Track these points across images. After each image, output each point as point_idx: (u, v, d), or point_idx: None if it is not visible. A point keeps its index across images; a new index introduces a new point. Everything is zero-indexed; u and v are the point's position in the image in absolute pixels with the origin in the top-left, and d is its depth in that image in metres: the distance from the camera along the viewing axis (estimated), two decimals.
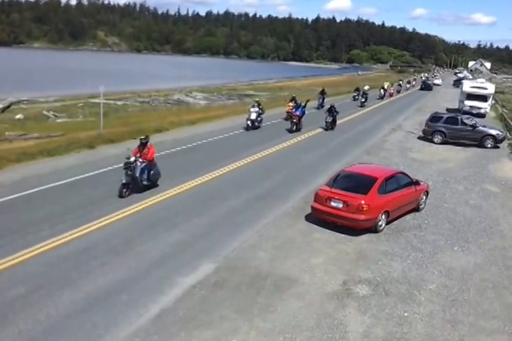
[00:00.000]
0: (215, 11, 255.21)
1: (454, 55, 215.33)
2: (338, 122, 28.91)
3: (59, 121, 29.84)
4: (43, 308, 8.14)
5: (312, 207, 12.95)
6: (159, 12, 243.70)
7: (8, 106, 34.46)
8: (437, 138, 27.01)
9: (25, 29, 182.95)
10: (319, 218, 12.84)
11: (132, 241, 10.97)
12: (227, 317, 8.32)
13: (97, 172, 16.32)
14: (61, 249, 10.32)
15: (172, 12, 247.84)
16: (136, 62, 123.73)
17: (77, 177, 15.58)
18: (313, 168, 18.96)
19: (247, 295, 9.06)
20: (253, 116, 26.37)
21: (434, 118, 27.78)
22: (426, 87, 70.42)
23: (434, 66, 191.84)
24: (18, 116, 30.27)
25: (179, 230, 11.83)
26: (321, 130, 27.82)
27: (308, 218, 13.20)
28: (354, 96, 45.57)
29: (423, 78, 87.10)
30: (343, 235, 12.25)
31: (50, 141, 20.31)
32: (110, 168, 16.81)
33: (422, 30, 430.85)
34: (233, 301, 8.83)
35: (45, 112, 32.30)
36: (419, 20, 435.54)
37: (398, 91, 58.17)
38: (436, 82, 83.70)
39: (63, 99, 41.22)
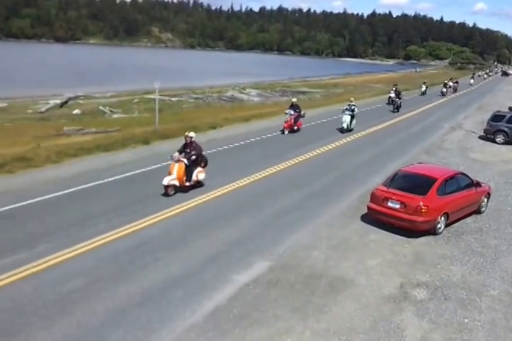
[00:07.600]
0: (268, 7, 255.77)
1: None
2: (395, 120, 28.42)
3: (115, 116, 30.62)
4: (100, 301, 8.29)
5: (368, 207, 12.66)
6: (213, 8, 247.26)
7: (66, 102, 35.76)
8: (499, 138, 25.91)
9: (82, 26, 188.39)
10: (375, 219, 12.55)
11: (186, 238, 11.03)
12: (282, 317, 8.23)
13: (154, 167, 16.50)
14: (117, 243, 10.52)
15: (225, 8, 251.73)
16: (190, 59, 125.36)
17: (133, 173, 15.87)
18: (369, 167, 18.59)
19: (302, 295, 8.94)
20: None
21: (496, 117, 26.58)
22: (504, 73, 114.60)
23: (495, 63, 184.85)
24: (75, 112, 31.29)
25: (232, 228, 11.81)
26: (375, 128, 27.27)
27: (364, 218, 12.94)
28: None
29: (503, 69, 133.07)
30: (400, 237, 11.92)
31: (107, 136, 20.78)
32: (165, 163, 17.03)
33: (482, 25, 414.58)
34: (287, 300, 8.73)
35: (101, 108, 33.15)
36: (479, 15, 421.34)
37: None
38: (510, 72, 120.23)
39: (119, 95, 42.27)
